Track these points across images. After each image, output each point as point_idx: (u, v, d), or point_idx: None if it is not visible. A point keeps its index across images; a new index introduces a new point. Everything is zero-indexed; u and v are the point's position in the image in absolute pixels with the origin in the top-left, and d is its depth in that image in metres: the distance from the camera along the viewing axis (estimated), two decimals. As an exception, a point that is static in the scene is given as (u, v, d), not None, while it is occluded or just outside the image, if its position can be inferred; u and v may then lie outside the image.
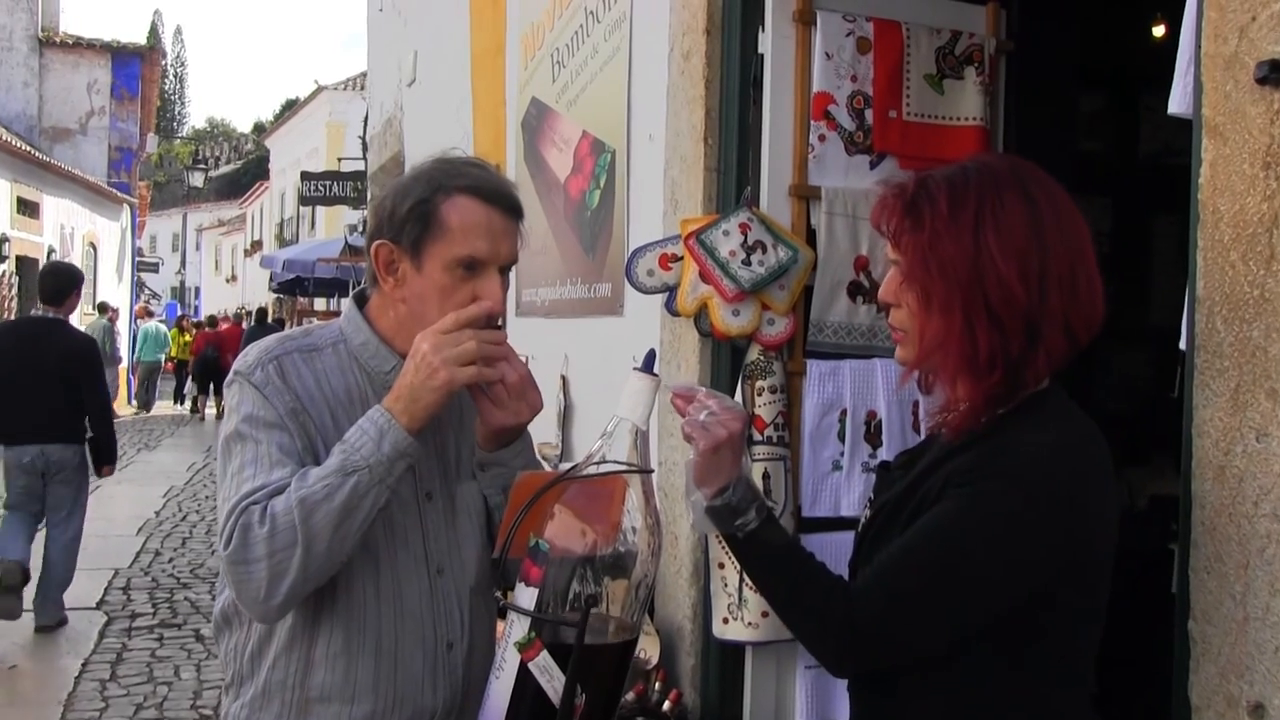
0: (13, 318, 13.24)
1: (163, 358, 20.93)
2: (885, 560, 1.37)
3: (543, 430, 4.31)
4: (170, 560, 8.06)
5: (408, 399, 1.54)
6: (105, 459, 6.03)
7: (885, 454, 2.77)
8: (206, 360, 19.26)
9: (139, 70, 21.17)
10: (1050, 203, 1.41)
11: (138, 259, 25.27)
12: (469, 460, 1.73)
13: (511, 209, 1.66)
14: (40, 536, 5.95)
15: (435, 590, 1.67)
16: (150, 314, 23.40)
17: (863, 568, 1.43)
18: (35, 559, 5.86)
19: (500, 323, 1.64)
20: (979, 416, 1.41)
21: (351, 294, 1.78)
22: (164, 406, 21.24)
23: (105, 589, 7.05)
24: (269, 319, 20.40)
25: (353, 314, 1.72)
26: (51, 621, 5.95)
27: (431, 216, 1.60)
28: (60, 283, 5.88)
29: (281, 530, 1.49)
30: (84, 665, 5.54)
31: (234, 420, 1.61)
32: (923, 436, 2.69)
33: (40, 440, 5.67)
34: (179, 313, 24.74)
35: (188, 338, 21.58)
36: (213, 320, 23.58)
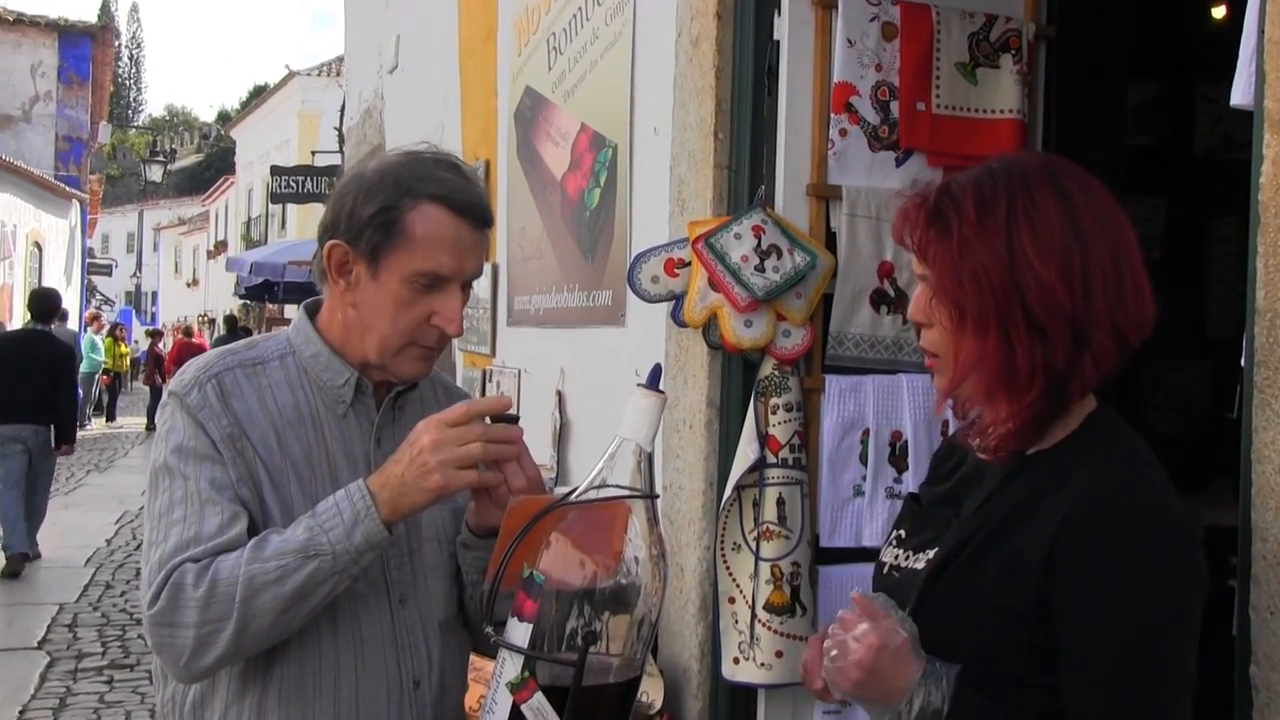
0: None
1: (99, 370, 20.95)
2: (1082, 670, 1.36)
3: (537, 451, 4.31)
4: (122, 594, 8.06)
5: (395, 490, 1.54)
6: (66, 438, 8.75)
7: (912, 478, 2.79)
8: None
9: (89, 51, 21.23)
10: (1086, 197, 1.43)
11: (88, 260, 25.30)
12: None
13: (482, 221, 1.68)
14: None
15: (398, 622, 1.68)
16: (96, 318, 23.42)
17: (930, 621, 1.43)
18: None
19: (515, 411, 1.62)
20: (1023, 437, 1.44)
21: (303, 303, 1.79)
22: (122, 424, 21.24)
23: (48, 627, 7.05)
24: (238, 327, 20.34)
25: (302, 324, 1.74)
26: (19, 551, 8.47)
27: (395, 224, 1.61)
28: (44, 305, 9.00)
29: (218, 601, 1.50)
30: (21, 712, 5.54)
31: (163, 450, 1.62)
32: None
33: (27, 421, 8.36)
34: (133, 319, 24.70)
35: (123, 348, 21.50)
36: (189, 330, 23.56)
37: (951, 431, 2.78)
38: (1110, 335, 1.41)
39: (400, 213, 1.61)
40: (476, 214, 1.67)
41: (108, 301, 37.04)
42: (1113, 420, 1.47)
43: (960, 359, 1.44)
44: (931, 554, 1.51)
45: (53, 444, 8.60)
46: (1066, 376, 1.41)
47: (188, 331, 23.50)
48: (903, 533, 1.62)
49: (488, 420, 1.57)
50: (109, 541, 9.97)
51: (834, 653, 1.39)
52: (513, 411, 1.61)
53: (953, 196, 1.45)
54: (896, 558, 1.59)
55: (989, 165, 1.49)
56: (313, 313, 1.76)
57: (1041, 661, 1.39)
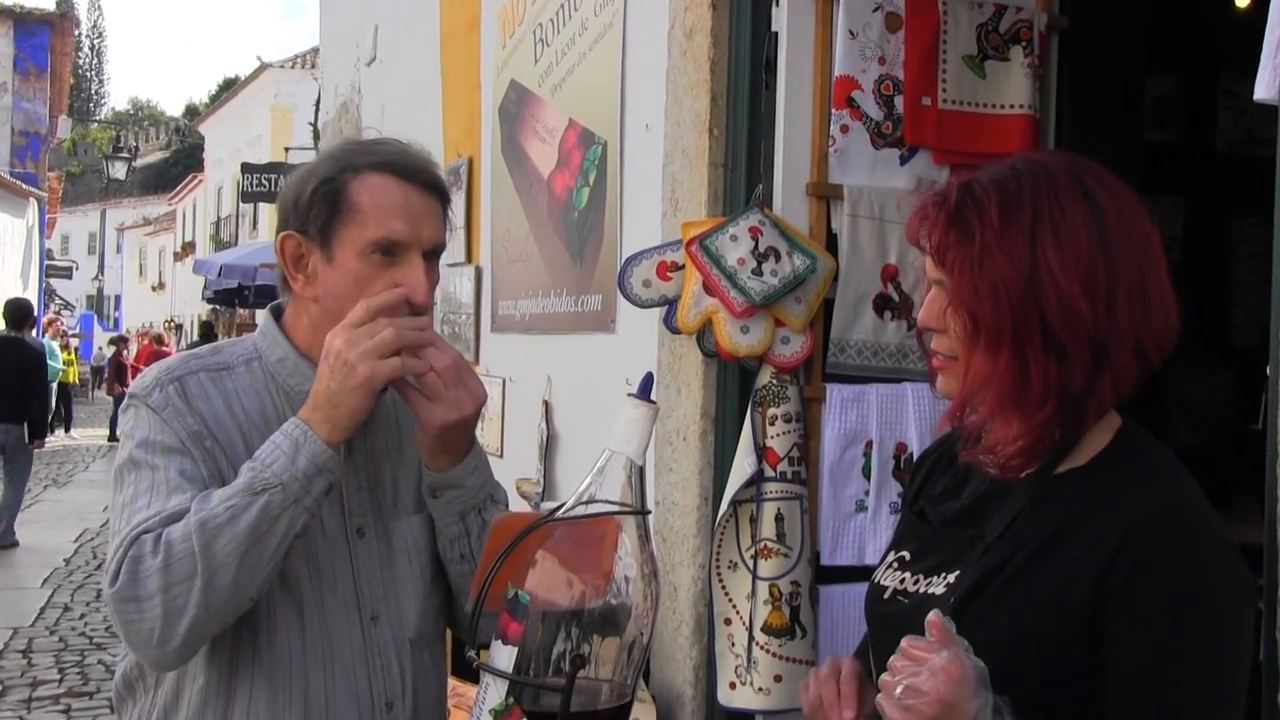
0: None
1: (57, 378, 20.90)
2: (1143, 698, 1.36)
3: (523, 464, 4.32)
4: (82, 616, 8.04)
5: (326, 405, 1.56)
6: (37, 434, 10.47)
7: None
8: None
9: (48, 41, 21.21)
10: (1114, 203, 1.43)
11: (46, 263, 25.24)
12: (409, 493, 1.76)
13: (431, 186, 1.70)
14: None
15: (369, 640, 1.70)
16: (53, 323, 23.38)
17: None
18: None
19: (428, 313, 1.67)
20: (1035, 455, 1.45)
21: (269, 306, 1.81)
22: (78, 436, 21.15)
23: (1, 652, 7.01)
24: (213, 334, 20.29)
25: (268, 327, 1.76)
26: (4, 542, 10.22)
27: (339, 197, 1.64)
28: (19, 313, 10.62)
29: (178, 560, 1.50)
30: (-25, 742, 5.53)
31: (128, 447, 1.64)
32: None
33: (1, 420, 9.93)
34: (94, 325, 24.65)
35: (70, 356, 21.40)
36: (160, 338, 23.49)
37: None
38: (1132, 354, 1.41)
39: (342, 184, 1.64)
40: (423, 177, 1.69)
41: (67, 306, 36.98)
42: (1144, 437, 1.48)
43: (970, 374, 1.45)
44: (951, 578, 1.50)
45: (26, 440, 10.18)
46: (1083, 396, 1.41)
47: (158, 340, 23.43)
48: (907, 554, 1.61)
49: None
50: (67, 561, 9.94)
51: (899, 691, 1.30)
52: (420, 311, 1.65)
53: (975, 198, 1.44)
54: (903, 581, 1.58)
55: (1012, 165, 1.48)
56: (278, 315, 1.77)
57: (1081, 690, 1.39)
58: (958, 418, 1.53)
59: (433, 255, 1.69)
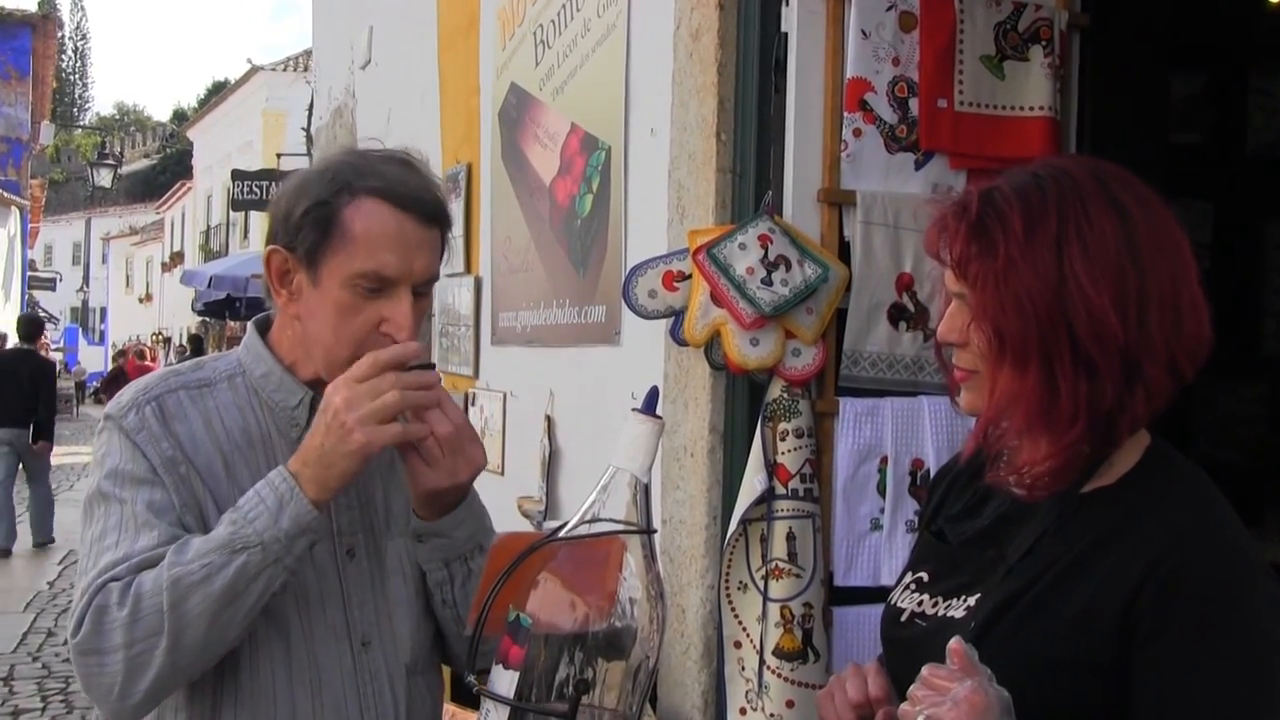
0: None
1: None
2: None
3: (524, 482, 4.33)
4: (65, 642, 8.02)
5: (317, 464, 1.55)
6: (44, 437, 11.60)
7: (936, 511, 2.80)
8: None
9: (29, 43, 21.28)
10: (1143, 210, 1.43)
11: (29, 274, 25.29)
12: (402, 512, 1.76)
13: (430, 217, 1.68)
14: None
15: (361, 667, 1.69)
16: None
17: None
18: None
19: (428, 358, 1.67)
20: (1064, 476, 1.45)
21: (253, 319, 1.81)
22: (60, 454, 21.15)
23: (-17, 678, 7.04)
24: (202, 348, 20.33)
25: (253, 341, 1.75)
26: (43, 540, 11.83)
27: (331, 222, 1.62)
28: (31, 327, 12.24)
29: (145, 615, 1.50)
30: (-45, 773, 5.54)
31: (97, 476, 1.64)
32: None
33: (14, 426, 11.29)
34: (79, 338, 24.74)
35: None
36: (142, 354, 23.56)
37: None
38: (1165, 367, 1.41)
39: (336, 209, 1.63)
40: (422, 207, 1.66)
41: (51, 319, 37.07)
42: (1175, 455, 1.48)
43: (996, 393, 1.45)
44: (972, 600, 1.50)
45: (31, 441, 11.38)
46: (1114, 413, 1.41)
47: (140, 354, 23.49)
48: (925, 575, 1.61)
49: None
50: (51, 584, 9.95)
51: (922, 719, 1.30)
52: (425, 359, 1.63)
53: (997, 208, 1.44)
54: (920, 604, 1.58)
55: (1034, 172, 1.48)
56: (263, 329, 1.78)
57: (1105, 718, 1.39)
58: (984, 438, 1.53)
59: (424, 287, 1.69)
